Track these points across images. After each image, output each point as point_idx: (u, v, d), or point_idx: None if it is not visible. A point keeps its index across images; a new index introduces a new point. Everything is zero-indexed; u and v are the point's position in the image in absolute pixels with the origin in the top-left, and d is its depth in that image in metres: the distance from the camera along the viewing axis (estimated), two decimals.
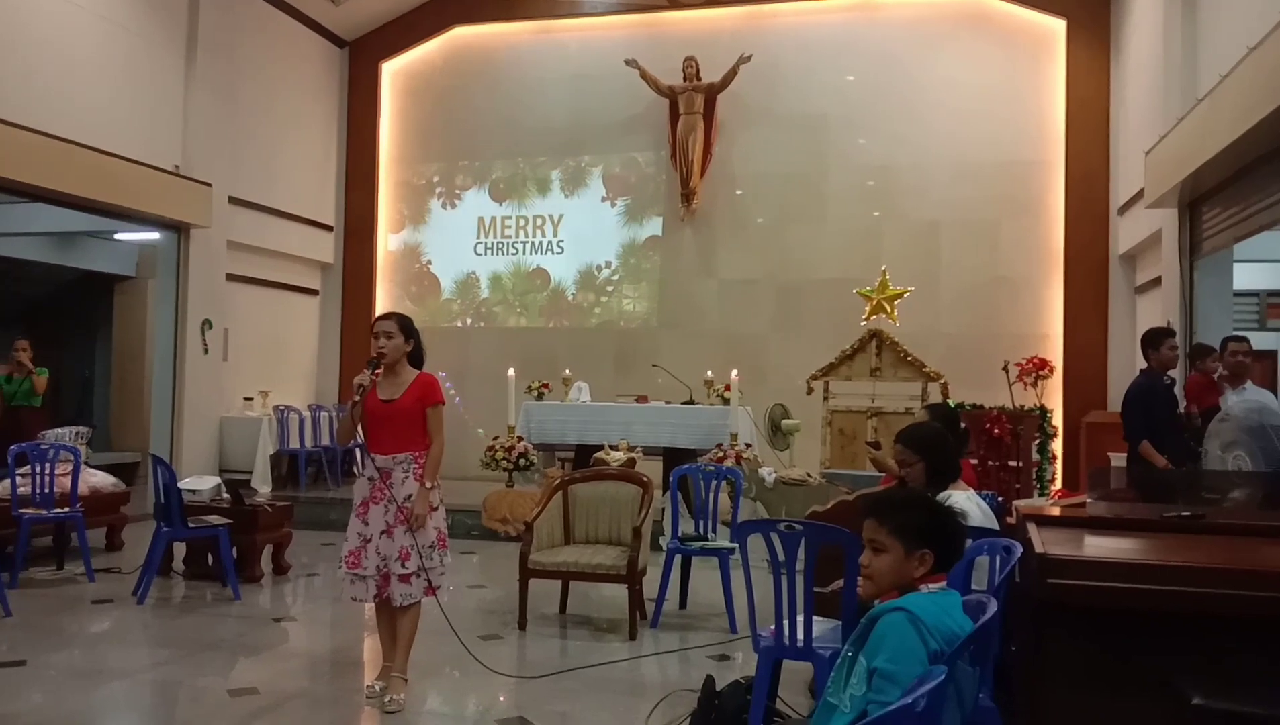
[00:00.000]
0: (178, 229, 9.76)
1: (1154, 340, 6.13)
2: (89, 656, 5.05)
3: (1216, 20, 7.31)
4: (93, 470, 7.74)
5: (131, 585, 6.22)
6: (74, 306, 12.60)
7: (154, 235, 10.04)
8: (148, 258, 11.75)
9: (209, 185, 9.81)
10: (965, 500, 3.60)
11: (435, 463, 4.29)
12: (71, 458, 6.90)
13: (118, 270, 12.19)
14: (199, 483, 7.20)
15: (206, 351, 10.01)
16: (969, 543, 3.29)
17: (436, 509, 4.32)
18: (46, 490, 6.64)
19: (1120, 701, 2.79)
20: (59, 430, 8.15)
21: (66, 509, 6.73)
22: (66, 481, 6.82)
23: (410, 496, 4.21)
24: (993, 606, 2.20)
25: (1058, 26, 10.44)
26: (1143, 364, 6.31)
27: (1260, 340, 9.87)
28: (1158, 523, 3.45)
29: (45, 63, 8.24)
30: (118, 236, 11.52)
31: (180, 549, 6.87)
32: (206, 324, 9.99)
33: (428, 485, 4.23)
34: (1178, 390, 6.74)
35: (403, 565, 4.17)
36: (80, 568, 6.66)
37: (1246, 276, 9.43)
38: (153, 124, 9.44)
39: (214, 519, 6.47)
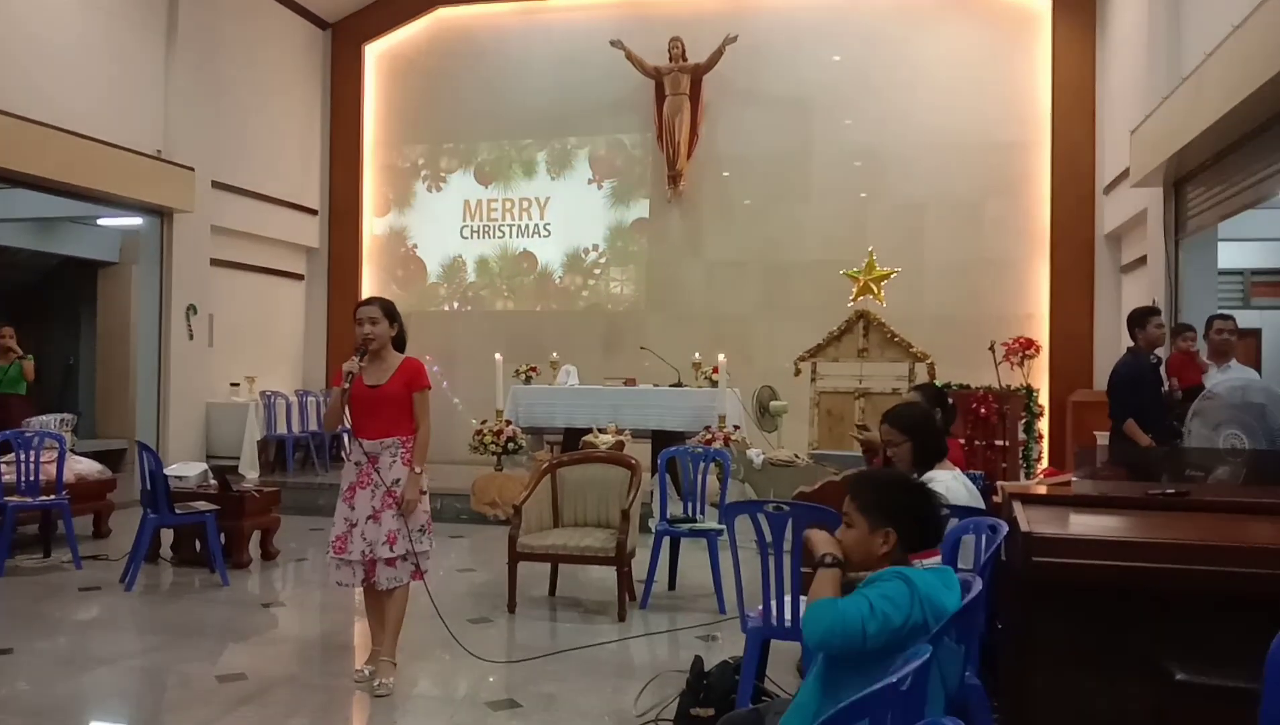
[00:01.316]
0: (161, 214, 9.68)
1: (1140, 319, 6.14)
2: (76, 644, 5.04)
3: None
4: (78, 457, 7.70)
5: (119, 572, 6.20)
6: (57, 293, 12.50)
7: (137, 220, 9.95)
8: (131, 243, 11.65)
9: (191, 169, 9.72)
10: (951, 479, 3.62)
11: (423, 447, 4.30)
12: (56, 445, 6.87)
13: (101, 256, 12.09)
14: (185, 469, 7.16)
15: (191, 337, 9.95)
16: (955, 522, 3.31)
17: (425, 493, 4.32)
18: (32, 478, 6.61)
19: (1105, 678, 2.81)
20: (44, 417, 8.09)
21: (52, 497, 6.70)
22: (52, 469, 6.78)
23: (398, 480, 4.21)
24: (978, 585, 2.21)
25: (1043, 6, 10.43)
26: (1129, 343, 6.33)
27: (1245, 318, 9.93)
28: (1142, 501, 3.47)
29: (23, 46, 8.13)
30: (100, 222, 11.42)
31: (167, 535, 6.85)
32: (191, 309, 9.93)
33: (416, 470, 4.23)
34: (1162, 369, 6.77)
35: (389, 549, 4.17)
36: (67, 555, 6.63)
37: (1231, 255, 9.49)
38: (134, 108, 9.35)
39: (201, 505, 6.45)
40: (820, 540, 2.44)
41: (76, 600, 5.86)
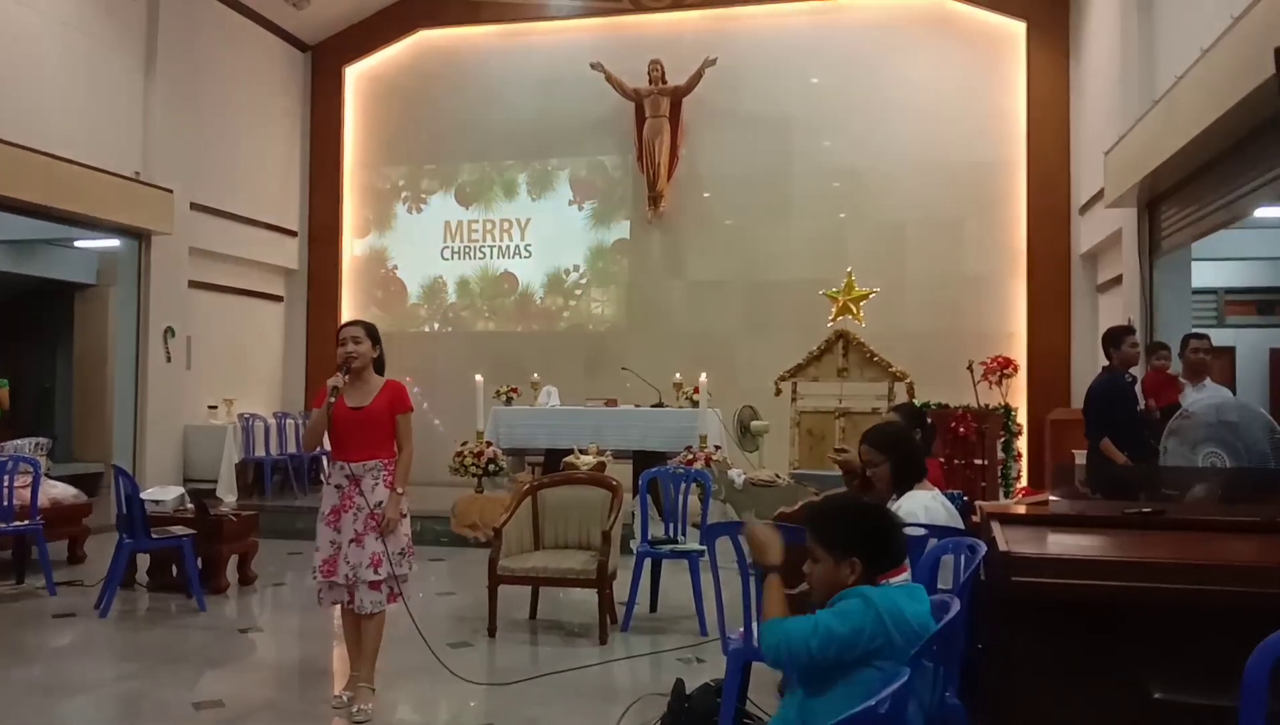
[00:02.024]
0: (139, 236, 9.63)
1: (1115, 338, 6.20)
2: (50, 671, 4.97)
3: (1172, 22, 7.42)
4: (53, 482, 7.60)
5: (94, 598, 6.12)
6: (33, 315, 12.39)
7: (115, 242, 9.89)
8: (108, 265, 11.57)
9: (170, 191, 9.68)
10: (930, 499, 3.63)
11: (406, 469, 4.31)
12: (31, 469, 6.79)
13: (78, 278, 12.01)
14: (162, 493, 7.09)
15: (169, 360, 9.88)
16: (934, 542, 3.32)
17: (405, 516, 4.31)
18: (6, 503, 6.51)
19: (1085, 697, 2.82)
20: (18, 441, 8.02)
21: (26, 522, 6.60)
22: (26, 493, 6.70)
23: (381, 502, 4.20)
24: (956, 606, 2.22)
25: (1018, 29, 10.57)
26: (1104, 362, 6.38)
27: (1219, 337, 10.04)
28: (1119, 519, 3.49)
29: (0, 68, 8.10)
30: (78, 244, 11.33)
31: (144, 561, 6.74)
32: (169, 332, 9.86)
33: (399, 491, 4.23)
34: (1137, 388, 6.83)
35: (374, 572, 4.15)
36: (41, 581, 6.53)
37: (1205, 274, 9.58)
38: (112, 130, 9.31)
39: (178, 530, 6.38)
40: (760, 543, 2.53)
41: (51, 627, 5.78)
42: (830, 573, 2.36)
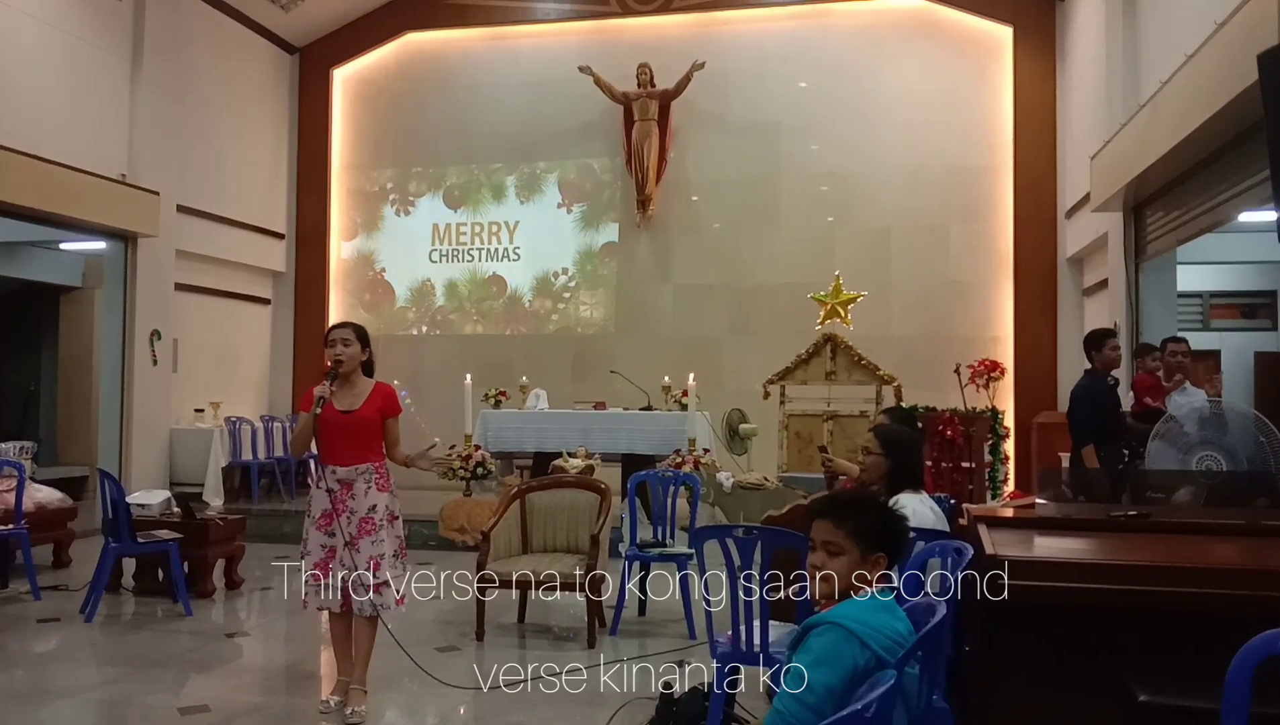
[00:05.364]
0: (125, 238, 9.59)
1: (1097, 341, 6.21)
2: (34, 676, 4.93)
3: (1157, 28, 7.48)
4: (38, 485, 7.55)
5: (79, 603, 6.08)
6: (17, 318, 12.30)
7: (100, 245, 9.84)
8: (94, 268, 11.50)
9: (156, 194, 9.64)
10: (918, 503, 3.65)
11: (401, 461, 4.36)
12: (15, 473, 6.74)
13: (63, 281, 11.91)
14: (148, 497, 7.05)
15: (155, 362, 9.83)
16: (921, 545, 3.34)
17: (397, 519, 4.31)
18: None
19: (1071, 699, 2.83)
20: (2, 445, 7.96)
21: (11, 526, 6.55)
22: (10, 497, 6.66)
23: (374, 507, 4.19)
24: (942, 609, 2.22)
25: (1004, 34, 10.62)
26: (1087, 365, 6.41)
27: (1204, 340, 10.10)
28: (1105, 523, 3.51)
29: None
30: (63, 246, 11.25)
31: (130, 565, 6.72)
32: (155, 335, 9.81)
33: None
34: (1126, 391, 6.86)
35: (374, 575, 4.15)
36: (26, 586, 6.49)
37: (1190, 278, 9.64)
38: (98, 132, 9.27)
39: (164, 534, 6.35)
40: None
41: (35, 632, 5.74)
42: (855, 565, 2.30)
